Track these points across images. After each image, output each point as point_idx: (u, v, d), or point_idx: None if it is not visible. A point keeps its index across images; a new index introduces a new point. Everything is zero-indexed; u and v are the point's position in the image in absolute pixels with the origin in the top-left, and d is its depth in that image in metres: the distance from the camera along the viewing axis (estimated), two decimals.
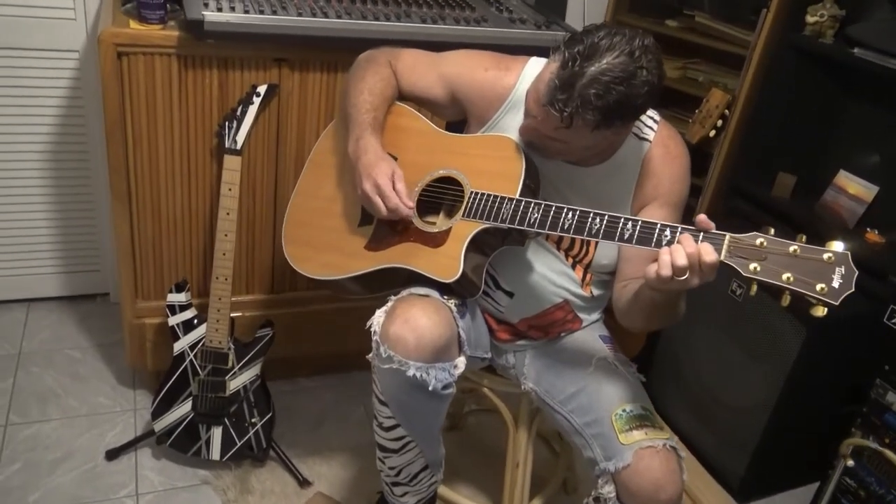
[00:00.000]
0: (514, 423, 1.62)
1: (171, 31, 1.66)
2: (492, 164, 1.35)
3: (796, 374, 1.80)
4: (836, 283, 1.03)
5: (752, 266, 1.07)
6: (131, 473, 1.84)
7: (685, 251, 1.08)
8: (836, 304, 1.03)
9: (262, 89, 1.72)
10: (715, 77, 2.32)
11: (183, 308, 1.77)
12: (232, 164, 1.70)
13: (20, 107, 2.09)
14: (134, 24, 1.65)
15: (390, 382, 1.28)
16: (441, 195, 1.41)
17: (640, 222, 1.16)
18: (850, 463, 1.56)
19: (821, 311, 1.05)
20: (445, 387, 1.28)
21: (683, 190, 1.39)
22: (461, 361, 1.31)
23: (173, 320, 1.77)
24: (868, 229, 1.92)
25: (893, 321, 1.63)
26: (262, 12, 1.67)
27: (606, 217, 1.19)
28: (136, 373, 2.14)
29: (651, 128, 1.37)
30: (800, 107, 2.06)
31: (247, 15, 1.65)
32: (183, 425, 1.81)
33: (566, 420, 1.42)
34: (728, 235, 1.09)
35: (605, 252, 1.41)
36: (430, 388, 1.25)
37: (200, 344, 1.77)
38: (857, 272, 1.04)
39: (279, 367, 2.00)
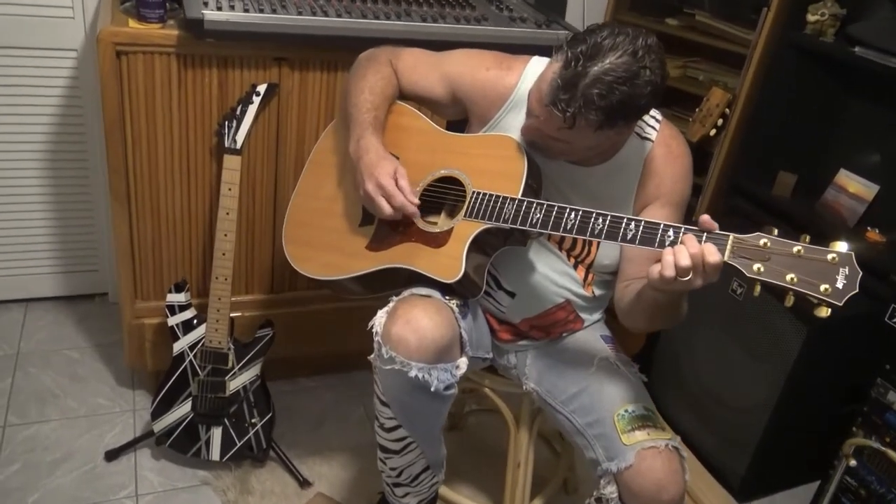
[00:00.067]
0: (516, 424, 1.61)
1: (171, 30, 1.66)
2: (493, 163, 1.35)
3: (797, 373, 1.80)
4: (839, 284, 1.03)
5: (755, 266, 1.06)
6: (131, 474, 1.83)
7: (689, 252, 1.07)
8: (840, 304, 1.03)
9: (261, 88, 1.71)
10: (715, 76, 2.32)
11: (182, 308, 1.76)
12: (232, 163, 1.69)
13: (18, 106, 2.08)
14: (133, 24, 1.64)
15: (392, 383, 1.27)
16: (442, 195, 1.40)
17: (643, 222, 1.15)
18: (853, 463, 1.56)
19: (824, 312, 1.05)
20: (447, 387, 1.27)
21: (685, 189, 1.39)
22: (463, 362, 1.31)
23: (173, 320, 1.76)
24: (869, 228, 1.92)
25: (894, 320, 1.63)
26: (261, 11, 1.66)
27: (609, 217, 1.18)
28: (135, 373, 2.13)
29: (653, 127, 1.37)
30: (800, 106, 2.06)
31: (247, 14, 1.64)
32: (182, 426, 1.80)
33: (568, 420, 1.42)
34: (731, 236, 1.09)
35: (606, 252, 1.41)
36: (432, 389, 1.24)
37: (200, 344, 1.76)
38: (861, 273, 1.03)
39: (279, 367, 1.99)
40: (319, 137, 1.63)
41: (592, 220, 1.19)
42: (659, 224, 1.14)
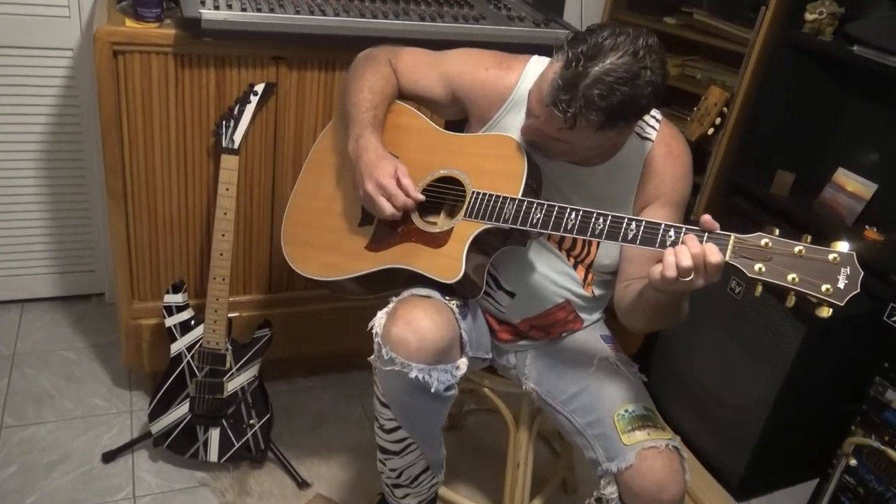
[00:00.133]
0: (515, 424, 1.61)
1: (168, 29, 1.65)
2: (493, 163, 1.34)
3: (796, 372, 1.80)
4: (841, 284, 1.03)
5: (756, 267, 1.06)
6: (128, 476, 1.82)
7: (690, 252, 1.07)
8: (842, 304, 1.03)
9: (259, 88, 1.71)
10: (713, 74, 2.32)
11: (180, 309, 1.76)
12: (229, 163, 1.68)
13: (14, 105, 2.06)
14: (130, 23, 1.63)
15: (392, 384, 1.27)
16: (442, 195, 1.40)
17: (643, 223, 1.15)
18: (853, 462, 1.56)
19: (826, 312, 1.05)
20: (448, 388, 1.27)
21: (686, 189, 1.39)
22: (463, 363, 1.30)
23: (170, 321, 1.76)
24: (867, 227, 1.92)
25: (893, 319, 1.63)
26: (259, 10, 1.66)
27: (610, 217, 1.18)
28: (132, 374, 2.12)
29: (653, 127, 1.36)
30: (798, 104, 2.07)
31: (244, 13, 1.63)
32: (180, 427, 1.80)
33: (568, 420, 1.41)
34: (733, 236, 1.09)
35: (606, 252, 1.40)
36: (433, 390, 1.24)
37: (198, 345, 1.75)
38: (862, 273, 1.03)
39: (277, 367, 1.98)
40: (318, 137, 1.62)
41: (593, 220, 1.19)
42: (660, 224, 1.14)
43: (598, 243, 1.40)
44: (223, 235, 1.70)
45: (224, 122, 1.69)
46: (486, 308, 1.49)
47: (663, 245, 1.13)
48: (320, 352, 2.13)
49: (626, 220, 1.16)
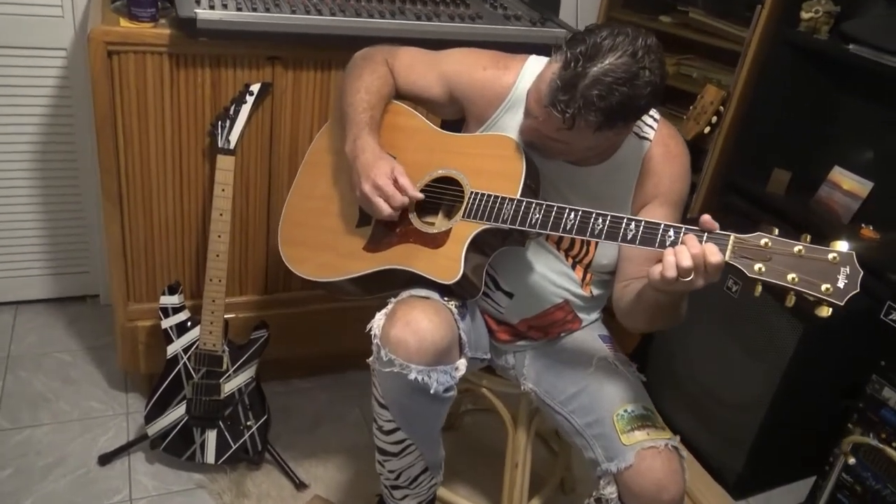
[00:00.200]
0: (514, 424, 1.61)
1: (163, 29, 1.64)
2: (491, 163, 1.34)
3: (793, 370, 1.80)
4: (841, 284, 1.03)
5: (756, 266, 1.06)
6: (125, 478, 1.81)
7: (690, 252, 1.07)
8: (842, 304, 1.03)
9: (255, 88, 1.70)
10: (709, 73, 2.32)
11: (176, 310, 1.75)
12: (225, 164, 1.67)
13: (6, 106, 2.05)
14: (124, 23, 1.62)
15: (391, 386, 1.26)
16: (440, 195, 1.39)
17: (643, 223, 1.15)
18: (852, 461, 1.56)
19: (825, 312, 1.05)
20: (447, 389, 1.26)
21: (684, 189, 1.39)
22: (462, 364, 1.30)
23: (166, 323, 1.75)
24: (863, 225, 1.93)
25: (890, 318, 1.64)
26: (255, 10, 1.65)
27: (609, 217, 1.17)
28: (128, 376, 2.11)
29: (651, 126, 1.36)
30: (794, 103, 2.07)
31: (239, 12, 1.62)
32: (177, 429, 1.79)
33: (567, 421, 1.41)
34: (733, 236, 1.09)
35: (605, 252, 1.40)
36: (432, 392, 1.23)
37: (194, 347, 1.74)
38: (862, 272, 1.04)
39: (273, 368, 1.98)
40: (314, 137, 1.62)
41: (592, 220, 1.19)
42: (659, 224, 1.14)
43: (597, 243, 1.40)
44: (219, 236, 1.69)
45: (220, 123, 1.68)
46: (485, 308, 1.48)
47: (663, 245, 1.13)
48: (317, 352, 2.13)
49: (625, 220, 1.16)
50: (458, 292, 1.33)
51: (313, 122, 1.82)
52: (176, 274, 1.89)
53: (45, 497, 1.74)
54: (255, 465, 1.86)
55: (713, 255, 1.06)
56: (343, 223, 1.46)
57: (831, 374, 1.87)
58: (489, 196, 1.29)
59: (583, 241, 1.40)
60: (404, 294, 1.32)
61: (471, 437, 2.07)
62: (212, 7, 1.61)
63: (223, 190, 1.67)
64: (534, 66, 1.38)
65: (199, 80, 1.69)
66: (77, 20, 2.00)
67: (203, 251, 1.82)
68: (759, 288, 1.07)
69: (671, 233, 1.12)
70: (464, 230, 1.30)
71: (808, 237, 1.07)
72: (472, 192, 1.32)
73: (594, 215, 1.19)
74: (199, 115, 1.73)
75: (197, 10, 1.58)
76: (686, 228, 1.12)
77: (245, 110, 1.69)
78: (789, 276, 1.04)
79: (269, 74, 1.74)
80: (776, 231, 1.08)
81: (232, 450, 1.81)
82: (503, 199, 1.28)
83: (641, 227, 1.15)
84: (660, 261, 1.11)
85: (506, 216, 1.26)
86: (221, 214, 1.68)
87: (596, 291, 1.47)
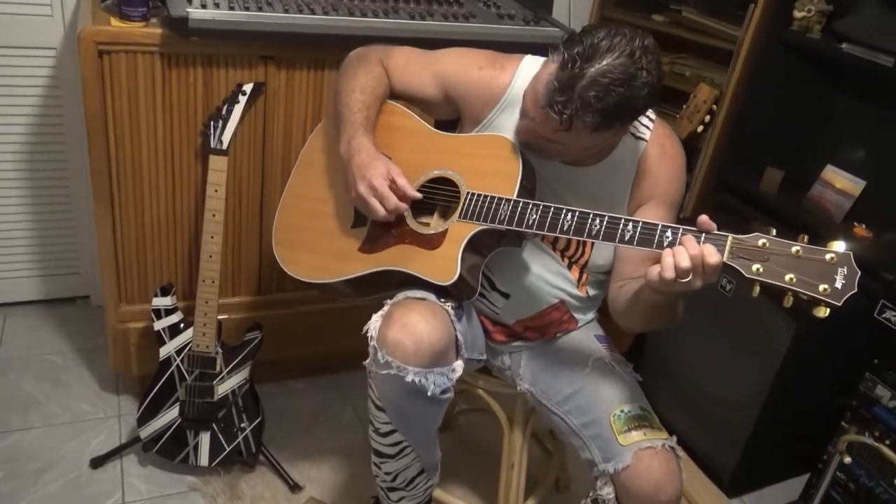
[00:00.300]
0: (509, 425, 1.60)
1: (154, 28, 1.62)
2: (488, 163, 1.33)
3: (787, 369, 1.81)
4: (838, 284, 1.03)
5: (754, 267, 1.06)
6: (117, 482, 1.80)
7: (688, 253, 1.07)
8: (839, 304, 1.03)
9: (247, 88, 1.68)
10: (702, 72, 2.32)
11: (169, 312, 1.73)
12: (218, 164, 1.66)
13: None
14: (115, 22, 1.60)
15: (388, 388, 1.25)
16: (435, 196, 1.39)
17: (640, 223, 1.15)
18: (847, 460, 1.57)
19: (823, 312, 1.05)
20: (444, 391, 1.26)
21: (680, 189, 1.38)
22: (459, 365, 1.29)
23: (159, 325, 1.73)
24: (856, 224, 1.93)
25: (883, 316, 1.64)
26: (247, 9, 1.63)
27: (606, 218, 1.17)
28: (119, 378, 2.09)
29: (647, 126, 1.36)
30: (787, 102, 2.07)
31: (232, 12, 1.61)
32: (170, 431, 1.77)
33: (563, 421, 1.41)
34: (730, 236, 1.08)
35: (601, 252, 1.40)
36: (429, 394, 1.23)
37: (187, 348, 1.73)
38: (859, 273, 1.04)
39: (267, 369, 1.96)
40: (308, 137, 1.61)
41: (590, 221, 1.18)
42: (657, 225, 1.14)
43: (593, 244, 1.39)
44: (212, 237, 1.68)
45: (212, 123, 1.67)
46: (481, 309, 1.48)
47: (660, 246, 1.12)
48: (311, 353, 2.12)
49: (622, 220, 1.16)
50: (455, 293, 1.32)
51: (306, 122, 1.81)
52: (168, 275, 1.87)
53: (37, 501, 1.72)
54: (249, 467, 1.85)
55: (711, 255, 1.06)
56: (338, 224, 1.45)
57: (825, 373, 1.88)
58: (486, 197, 1.28)
59: (579, 241, 1.40)
60: (400, 296, 1.31)
61: (466, 437, 2.06)
62: (204, 6, 1.60)
63: (216, 190, 1.66)
64: (529, 66, 1.38)
65: (191, 79, 1.68)
66: (66, 19, 1.98)
67: (195, 252, 1.80)
68: (757, 288, 1.07)
69: (669, 233, 1.12)
70: (460, 231, 1.29)
71: (806, 237, 1.07)
72: (468, 193, 1.31)
73: (591, 216, 1.18)
74: (191, 115, 1.71)
75: (189, 10, 1.56)
76: (684, 229, 1.11)
77: (238, 110, 1.68)
78: (787, 277, 1.04)
79: (261, 74, 1.73)
80: (773, 231, 1.08)
81: (226, 452, 1.79)
82: (500, 199, 1.27)
83: (639, 228, 1.14)
84: (657, 262, 1.11)
85: (502, 217, 1.26)
86: (214, 215, 1.67)
87: (592, 292, 1.46)
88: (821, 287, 1.03)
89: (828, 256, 1.04)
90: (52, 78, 2.04)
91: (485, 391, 1.59)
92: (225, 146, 1.66)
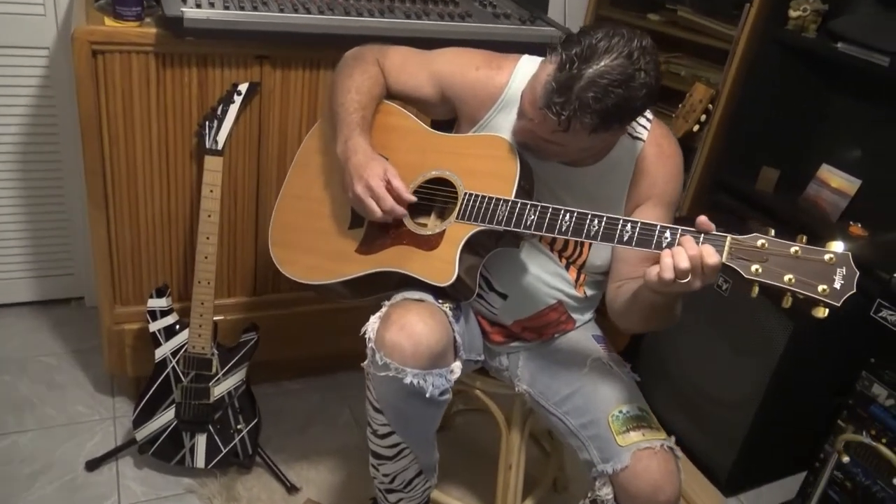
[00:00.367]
0: (507, 425, 1.60)
1: (148, 28, 1.61)
2: (485, 164, 1.33)
3: (783, 368, 1.81)
4: (837, 285, 1.03)
5: (753, 268, 1.06)
6: (113, 484, 1.79)
7: (687, 254, 1.07)
8: (839, 305, 1.03)
9: (243, 88, 1.67)
10: (698, 71, 2.32)
11: (164, 313, 1.72)
12: (213, 164, 1.65)
13: None
14: (109, 22, 1.59)
15: (386, 390, 1.25)
16: (432, 196, 1.38)
17: (639, 224, 1.14)
18: (846, 459, 1.57)
19: (822, 313, 1.05)
20: (442, 393, 1.25)
21: (677, 189, 1.38)
22: (457, 366, 1.29)
23: (154, 326, 1.72)
24: (851, 223, 1.93)
25: (880, 315, 1.65)
26: (242, 8, 1.63)
27: (605, 219, 1.17)
28: (114, 379, 2.08)
29: (644, 126, 1.36)
30: (783, 101, 2.08)
31: (227, 11, 1.60)
32: (166, 433, 1.76)
33: (561, 422, 1.41)
34: (729, 237, 1.08)
35: (598, 253, 1.40)
36: (428, 395, 1.22)
37: (183, 350, 1.72)
38: (858, 273, 1.04)
39: (263, 369, 1.95)
40: (304, 138, 1.60)
41: (588, 221, 1.18)
42: (655, 225, 1.13)
43: (591, 244, 1.39)
44: (207, 238, 1.67)
45: (207, 123, 1.66)
46: (478, 310, 1.48)
47: (659, 247, 1.12)
48: (307, 354, 2.11)
49: (621, 221, 1.16)
50: (453, 294, 1.32)
51: (302, 122, 1.81)
52: (163, 276, 1.86)
53: None
54: (245, 468, 1.84)
55: (710, 256, 1.06)
56: (335, 225, 1.45)
57: (822, 372, 1.88)
58: (483, 197, 1.28)
59: (576, 241, 1.39)
60: (398, 297, 1.30)
61: (463, 438, 2.06)
62: (198, 6, 1.59)
63: (211, 191, 1.65)
64: (526, 66, 1.37)
65: (185, 79, 1.67)
66: (59, 19, 1.97)
67: (190, 253, 1.79)
68: (756, 289, 1.07)
69: (668, 234, 1.12)
70: (458, 232, 1.29)
71: (804, 238, 1.07)
72: (465, 194, 1.31)
73: (590, 217, 1.18)
74: (186, 115, 1.70)
75: (183, 9, 1.55)
76: (682, 230, 1.11)
77: (233, 110, 1.67)
78: (786, 278, 1.04)
79: (257, 74, 1.72)
80: (772, 232, 1.07)
81: (222, 454, 1.79)
82: (498, 200, 1.27)
83: (638, 229, 1.14)
84: (656, 262, 1.11)
85: (500, 218, 1.25)
86: (209, 216, 1.66)
87: (589, 292, 1.46)
88: (820, 287, 1.03)
89: (826, 257, 1.04)
90: (45, 78, 2.02)
91: (482, 392, 1.59)
92: (220, 146, 1.65)
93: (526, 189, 1.31)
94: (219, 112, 1.66)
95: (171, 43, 1.60)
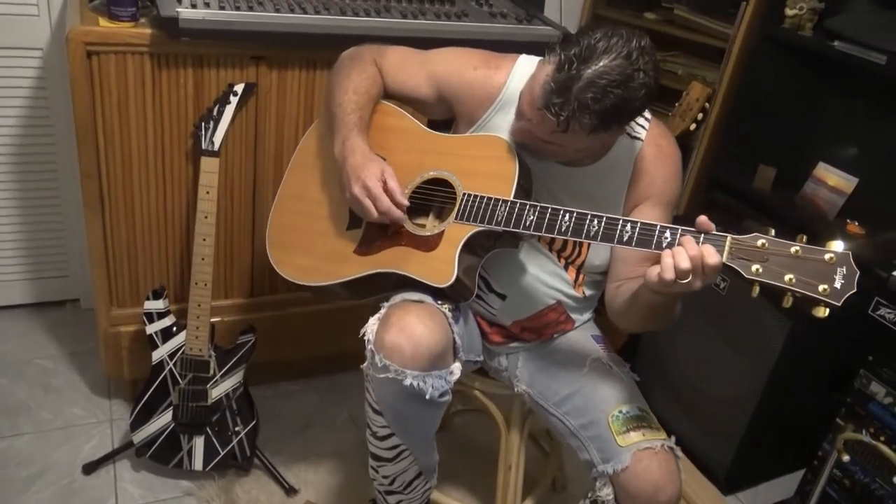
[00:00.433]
0: (506, 426, 1.60)
1: (143, 28, 1.60)
2: (484, 164, 1.32)
3: (781, 366, 1.81)
4: (838, 284, 1.03)
5: (754, 268, 1.06)
6: (110, 488, 1.78)
7: (688, 254, 1.06)
8: (839, 304, 1.03)
9: (239, 88, 1.66)
10: (694, 70, 2.32)
11: (161, 316, 1.71)
12: (209, 165, 1.64)
13: None
14: (104, 22, 1.58)
15: (386, 392, 1.24)
16: (430, 196, 1.38)
17: (639, 224, 1.14)
18: (846, 458, 1.57)
19: (822, 312, 1.05)
20: (442, 394, 1.25)
21: (676, 188, 1.38)
22: (457, 368, 1.28)
23: (151, 328, 1.71)
24: (848, 221, 1.94)
25: (878, 313, 1.65)
26: (238, 8, 1.62)
27: (605, 219, 1.16)
28: (111, 382, 2.07)
29: (643, 126, 1.36)
30: (779, 99, 2.08)
31: (222, 11, 1.59)
32: (164, 436, 1.76)
33: (561, 422, 1.40)
34: (730, 237, 1.08)
35: (597, 253, 1.39)
36: (427, 397, 1.22)
37: (180, 352, 1.71)
38: (858, 272, 1.04)
39: (260, 371, 1.95)
40: (302, 138, 1.59)
41: (588, 222, 1.18)
42: (655, 226, 1.13)
43: (589, 244, 1.39)
44: (204, 240, 1.66)
45: (203, 124, 1.65)
46: (477, 311, 1.47)
47: (659, 247, 1.12)
48: (305, 355, 2.10)
49: (621, 221, 1.15)
50: (452, 295, 1.31)
51: (298, 123, 1.80)
52: (160, 278, 1.85)
53: None
54: (244, 471, 1.83)
55: (711, 256, 1.06)
56: (333, 226, 1.44)
57: (819, 370, 1.88)
58: (482, 198, 1.27)
59: (575, 242, 1.39)
60: (397, 298, 1.30)
61: (462, 438, 2.06)
62: (194, 6, 1.58)
63: (207, 192, 1.64)
64: (524, 66, 1.37)
65: (181, 80, 1.66)
66: (53, 19, 1.95)
67: (187, 254, 1.78)
68: (757, 289, 1.07)
69: (668, 234, 1.12)
70: (457, 232, 1.28)
71: (804, 237, 1.06)
72: (464, 194, 1.30)
73: (589, 217, 1.18)
74: (181, 116, 1.69)
75: (179, 10, 1.54)
76: (683, 230, 1.11)
77: (229, 111, 1.66)
78: (786, 277, 1.04)
79: (253, 74, 1.71)
80: (772, 231, 1.07)
81: (220, 456, 1.78)
82: (496, 200, 1.26)
83: (638, 229, 1.14)
84: (655, 262, 1.10)
85: (499, 218, 1.25)
86: (206, 217, 1.65)
87: (588, 292, 1.46)
88: (820, 287, 1.03)
89: (827, 256, 1.04)
90: (39, 79, 2.01)
91: (482, 392, 1.58)
92: (216, 147, 1.65)
93: (525, 189, 1.30)
94: (215, 113, 1.66)
95: (167, 43, 1.59)
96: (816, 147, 2.06)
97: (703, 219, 1.09)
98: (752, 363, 1.86)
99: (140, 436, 1.76)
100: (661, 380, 2.10)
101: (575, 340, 1.48)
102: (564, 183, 1.36)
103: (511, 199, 1.25)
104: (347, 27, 1.68)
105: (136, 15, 1.61)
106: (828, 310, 1.04)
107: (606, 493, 1.31)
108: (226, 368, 1.74)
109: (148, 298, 1.71)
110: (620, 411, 1.33)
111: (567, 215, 1.20)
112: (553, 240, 1.39)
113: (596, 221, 1.17)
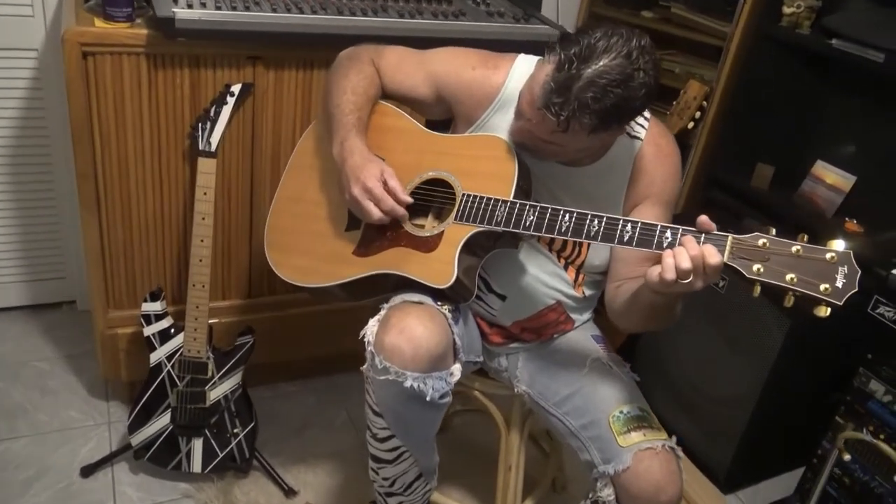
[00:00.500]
0: (506, 426, 1.59)
1: (139, 29, 1.59)
2: (483, 164, 1.31)
3: (780, 365, 1.81)
4: (839, 283, 1.03)
5: (755, 267, 1.06)
6: (109, 490, 1.77)
7: (689, 254, 1.06)
8: (840, 304, 1.03)
9: (236, 89, 1.66)
10: (692, 68, 2.32)
11: (158, 317, 1.71)
12: (206, 166, 1.63)
13: None
14: (99, 23, 1.57)
15: (386, 394, 1.24)
16: (430, 197, 1.37)
17: (639, 224, 1.14)
18: (847, 457, 1.57)
19: (824, 312, 1.04)
20: (442, 396, 1.24)
21: (676, 188, 1.38)
22: (457, 369, 1.28)
23: (149, 330, 1.71)
24: (847, 219, 1.94)
25: (877, 311, 1.65)
26: (234, 9, 1.61)
27: (605, 219, 1.16)
28: (108, 384, 2.06)
29: (642, 125, 1.35)
30: (777, 98, 2.07)
31: (219, 11, 1.58)
32: (162, 438, 1.75)
33: (561, 423, 1.40)
34: (730, 236, 1.08)
35: (597, 253, 1.39)
36: (428, 398, 1.21)
37: (178, 354, 1.71)
38: (860, 271, 1.03)
39: (259, 372, 1.94)
40: (299, 139, 1.58)
41: (588, 222, 1.17)
42: (656, 225, 1.13)
43: (589, 244, 1.38)
44: (202, 241, 1.65)
45: (200, 125, 1.64)
46: (477, 311, 1.47)
47: (660, 247, 1.12)
48: (303, 356, 2.10)
49: (621, 221, 1.15)
50: (452, 296, 1.31)
51: (296, 123, 1.79)
52: (157, 279, 1.84)
53: None
54: (242, 472, 1.83)
55: (712, 256, 1.06)
56: (332, 227, 1.43)
57: (819, 368, 1.88)
58: (482, 198, 1.27)
59: (575, 242, 1.39)
60: (397, 299, 1.29)
61: (462, 439, 2.05)
62: (190, 6, 1.57)
63: (205, 193, 1.63)
64: (523, 66, 1.36)
65: (177, 81, 1.65)
66: (48, 20, 1.94)
67: (184, 256, 1.77)
68: (758, 289, 1.06)
69: (668, 234, 1.11)
70: (456, 233, 1.28)
71: (805, 237, 1.06)
72: (463, 195, 1.29)
73: (590, 217, 1.17)
74: (178, 117, 1.68)
75: (175, 10, 1.53)
76: (683, 230, 1.11)
77: (226, 112, 1.66)
78: (788, 277, 1.04)
79: (249, 75, 1.70)
80: (773, 231, 1.07)
81: (219, 458, 1.77)
82: (496, 200, 1.26)
83: (638, 229, 1.14)
84: (655, 262, 1.10)
85: (499, 218, 1.24)
86: (203, 218, 1.64)
87: (588, 292, 1.45)
88: (822, 286, 1.03)
89: (828, 255, 1.04)
90: (34, 80, 2.00)
91: (482, 393, 1.58)
92: (213, 148, 1.64)
93: (524, 189, 1.30)
94: (211, 113, 1.65)
95: (163, 44, 1.58)
96: (814, 145, 2.06)
97: (703, 218, 1.09)
98: (752, 362, 1.86)
99: (138, 438, 1.75)
100: (661, 379, 2.10)
101: (575, 340, 1.48)
102: (564, 183, 1.36)
103: (511, 199, 1.25)
104: (344, 27, 1.68)
105: (131, 15, 1.60)
106: (829, 309, 1.04)
107: (608, 493, 1.31)
108: (224, 370, 1.73)
109: (145, 300, 1.70)
110: (621, 411, 1.33)
111: (567, 215, 1.19)
112: (553, 240, 1.39)
113: (596, 221, 1.17)
